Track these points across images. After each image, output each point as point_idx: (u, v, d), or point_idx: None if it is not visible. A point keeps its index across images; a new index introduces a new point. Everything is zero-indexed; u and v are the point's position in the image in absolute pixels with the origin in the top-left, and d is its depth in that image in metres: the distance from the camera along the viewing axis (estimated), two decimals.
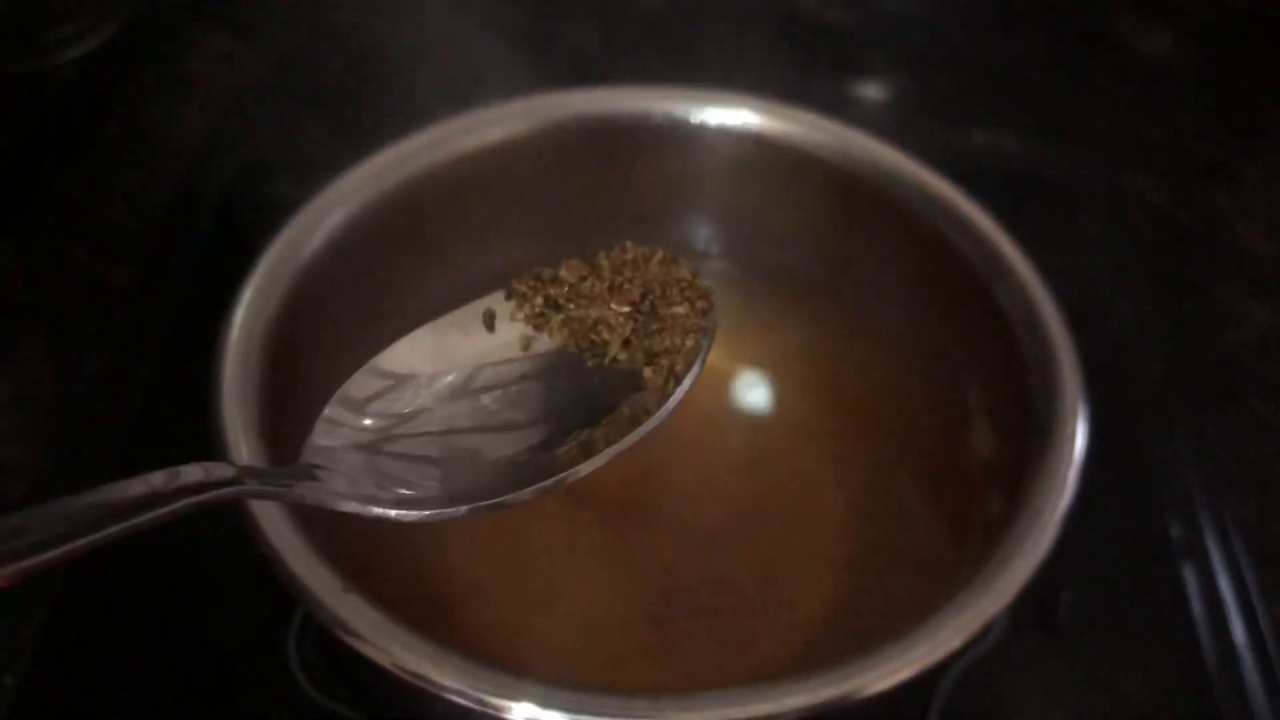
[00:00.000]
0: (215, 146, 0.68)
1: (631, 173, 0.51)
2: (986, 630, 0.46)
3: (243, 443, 0.37)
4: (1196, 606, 0.49)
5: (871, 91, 0.77)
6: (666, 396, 0.37)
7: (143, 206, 0.65)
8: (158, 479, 0.30)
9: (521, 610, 0.44)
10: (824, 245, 0.51)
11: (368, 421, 0.35)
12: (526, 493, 0.34)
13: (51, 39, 0.73)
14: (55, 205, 0.66)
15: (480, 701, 0.32)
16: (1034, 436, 0.40)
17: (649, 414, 0.36)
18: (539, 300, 0.39)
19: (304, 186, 0.47)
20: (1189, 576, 0.50)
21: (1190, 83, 0.77)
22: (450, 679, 0.32)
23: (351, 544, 0.37)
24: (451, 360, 0.38)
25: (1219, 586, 0.50)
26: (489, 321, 0.39)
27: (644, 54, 0.76)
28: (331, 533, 0.36)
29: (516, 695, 0.32)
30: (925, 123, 0.74)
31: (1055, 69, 0.78)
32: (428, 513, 0.33)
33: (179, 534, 0.48)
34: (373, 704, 0.42)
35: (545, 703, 0.32)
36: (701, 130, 0.50)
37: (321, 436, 0.34)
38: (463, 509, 0.34)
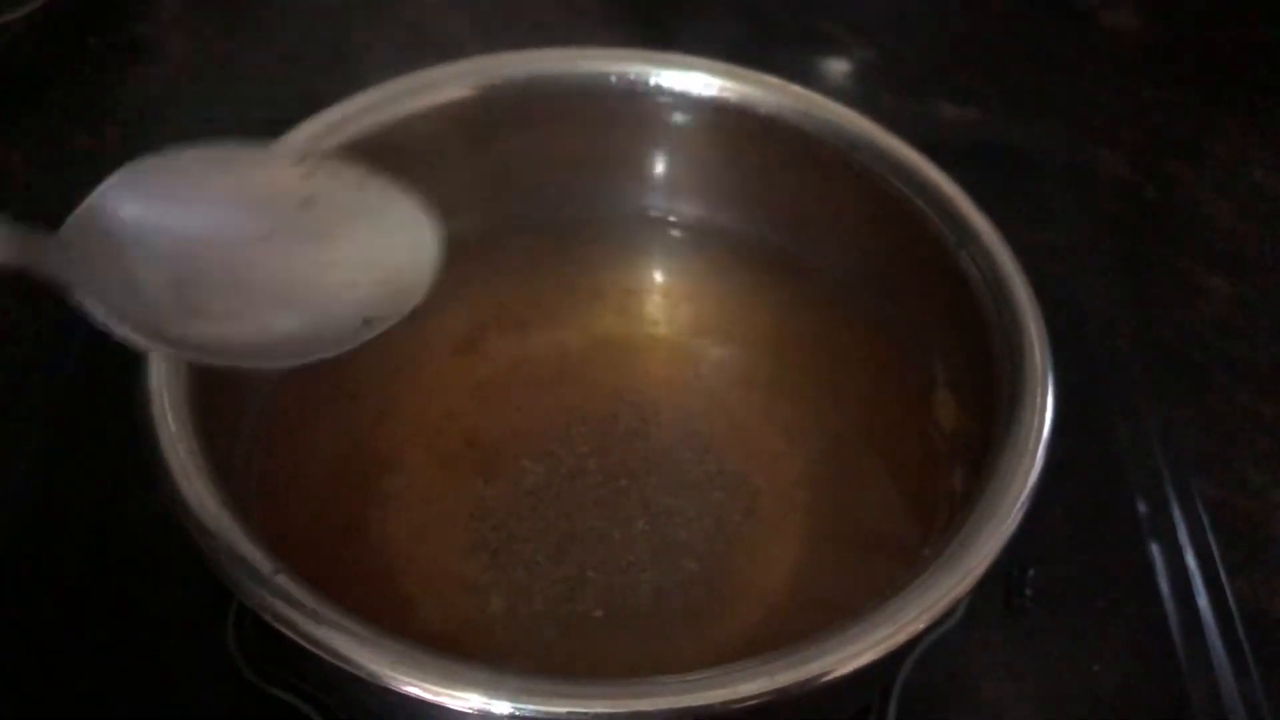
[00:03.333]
0: (158, 115, 0.66)
1: (588, 137, 0.50)
2: (952, 609, 0.45)
3: (170, 419, 0.35)
4: (1163, 583, 0.48)
5: (835, 64, 0.76)
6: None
7: (86, 173, 0.63)
8: None
9: (463, 591, 0.42)
10: (785, 212, 0.50)
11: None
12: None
13: None
14: None
15: (424, 688, 0.30)
16: (1000, 409, 0.39)
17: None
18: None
19: None
20: (1156, 553, 0.49)
21: (1154, 57, 0.77)
22: (380, 665, 0.31)
23: (289, 522, 0.36)
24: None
25: (1186, 563, 0.49)
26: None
27: (603, 23, 0.74)
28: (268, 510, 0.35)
29: (459, 683, 0.31)
30: (889, 95, 0.73)
31: (1019, 42, 0.77)
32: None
33: (116, 514, 0.48)
34: (311, 686, 0.41)
35: (489, 691, 0.30)
36: (659, 94, 0.49)
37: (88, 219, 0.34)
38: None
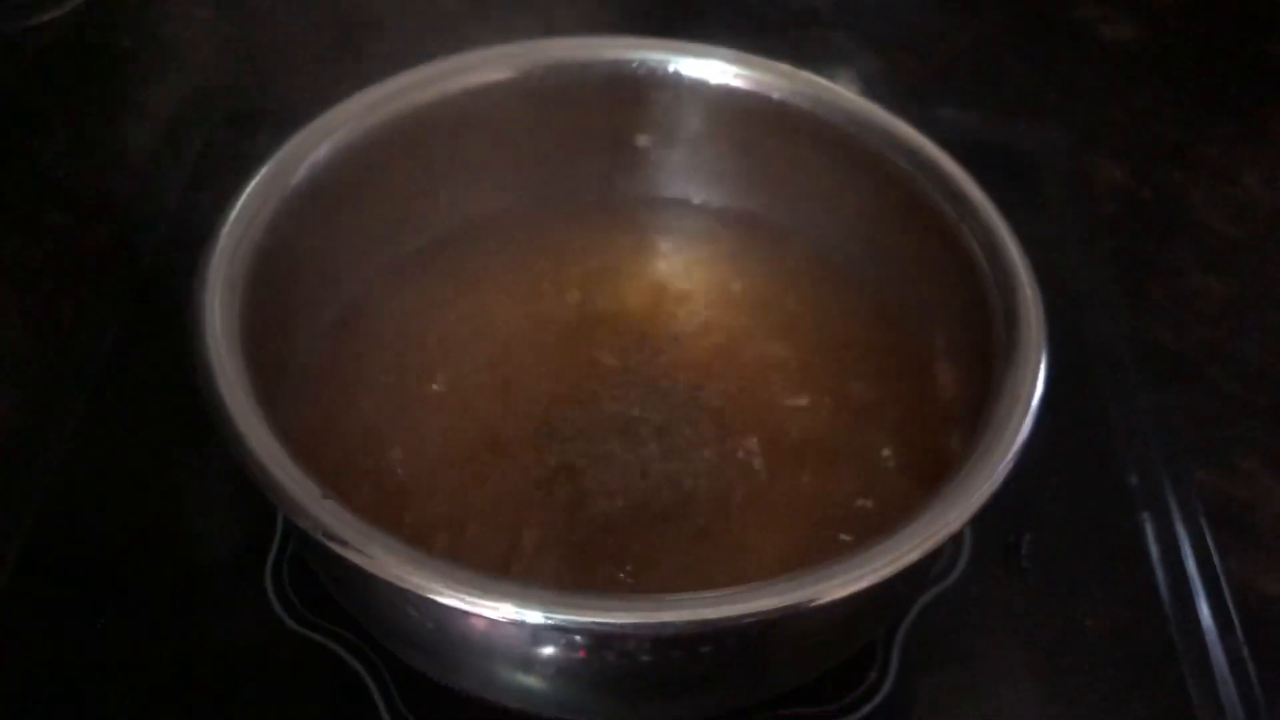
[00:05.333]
0: (191, 109, 0.69)
1: (610, 120, 0.52)
2: (950, 559, 0.48)
3: (226, 362, 0.38)
4: (1152, 547, 0.50)
5: (840, 72, 0.77)
6: None
7: (118, 169, 0.66)
8: None
9: (486, 527, 0.44)
10: (793, 191, 0.52)
11: None
12: None
13: (28, 1, 0.73)
14: (29, 166, 0.66)
15: (462, 600, 0.33)
16: (997, 370, 0.41)
17: None
18: None
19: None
20: (1146, 520, 0.51)
21: (1150, 67, 0.79)
22: (431, 580, 0.33)
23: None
24: None
25: (1174, 529, 0.51)
26: None
27: (616, 30, 0.76)
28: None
29: (494, 595, 0.33)
30: (893, 100, 0.74)
31: (1019, 52, 0.79)
32: None
33: (159, 474, 0.50)
34: (349, 613, 0.43)
35: (522, 602, 0.33)
36: (678, 80, 0.51)
37: None
38: None
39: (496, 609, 0.33)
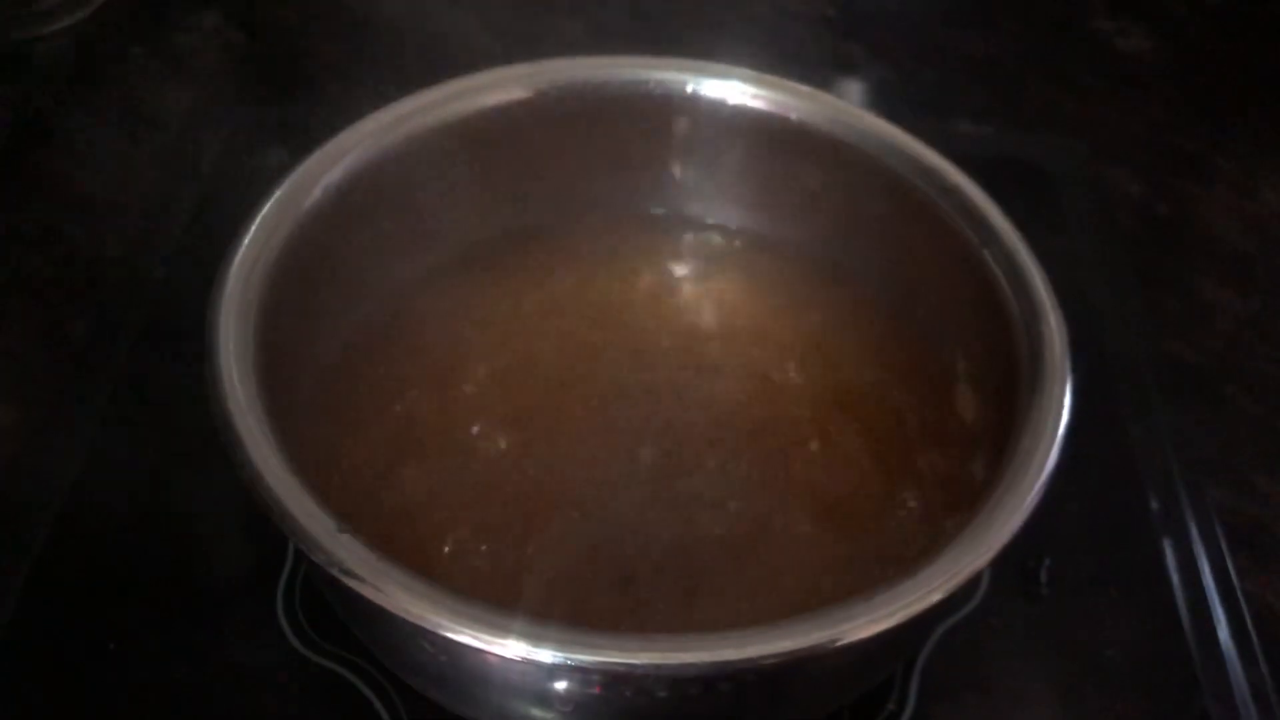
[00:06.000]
0: (204, 121, 0.68)
1: (624, 141, 0.52)
2: (970, 590, 0.47)
3: (240, 393, 0.37)
4: (1174, 574, 0.50)
5: (854, 83, 0.77)
6: None
7: (131, 179, 0.66)
8: None
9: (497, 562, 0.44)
10: (813, 213, 0.52)
11: None
12: None
13: (39, 11, 0.73)
14: (42, 177, 0.66)
15: (478, 638, 0.32)
16: (1021, 398, 0.40)
17: None
18: None
19: (292, 161, 0.46)
20: (1167, 546, 0.51)
21: (1166, 79, 0.78)
22: (447, 617, 0.33)
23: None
24: None
25: (1195, 555, 0.51)
26: None
27: (628, 44, 0.76)
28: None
29: (510, 633, 0.32)
30: (907, 113, 0.74)
31: (1035, 65, 0.79)
32: None
33: (169, 500, 0.50)
34: (361, 644, 0.43)
35: (538, 641, 0.32)
36: (695, 100, 0.51)
37: None
38: None
39: (513, 648, 0.32)
